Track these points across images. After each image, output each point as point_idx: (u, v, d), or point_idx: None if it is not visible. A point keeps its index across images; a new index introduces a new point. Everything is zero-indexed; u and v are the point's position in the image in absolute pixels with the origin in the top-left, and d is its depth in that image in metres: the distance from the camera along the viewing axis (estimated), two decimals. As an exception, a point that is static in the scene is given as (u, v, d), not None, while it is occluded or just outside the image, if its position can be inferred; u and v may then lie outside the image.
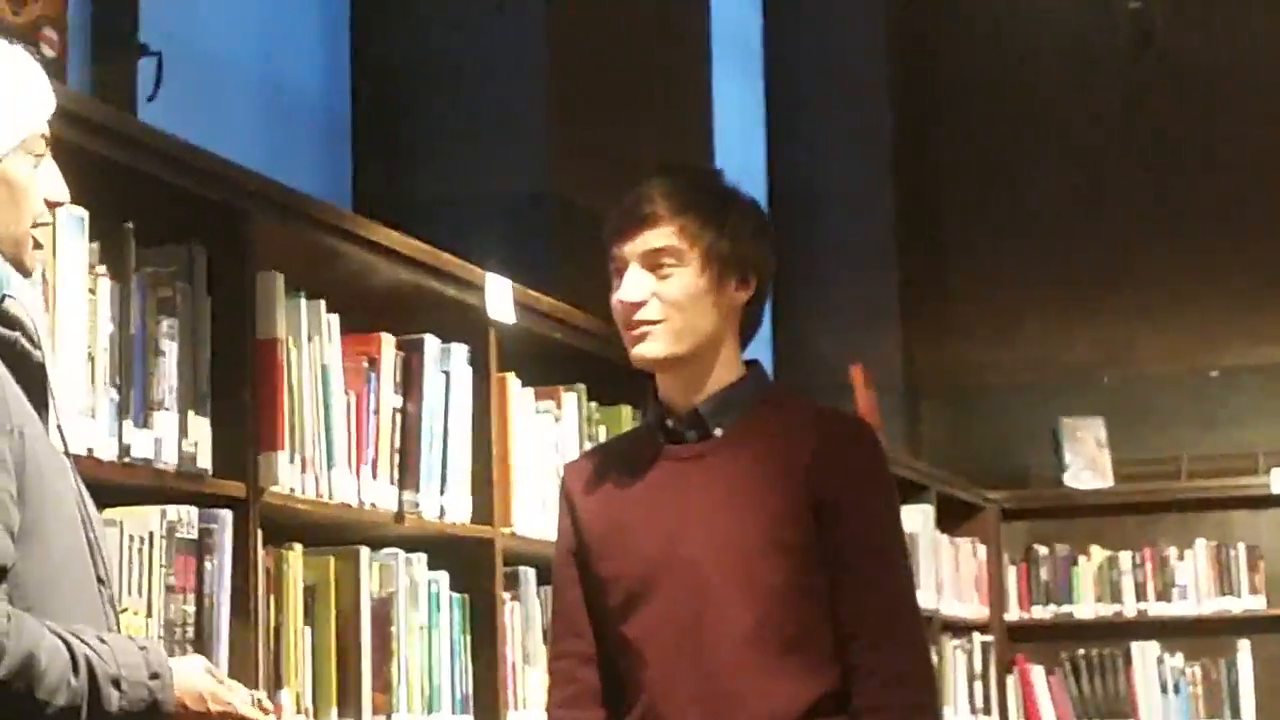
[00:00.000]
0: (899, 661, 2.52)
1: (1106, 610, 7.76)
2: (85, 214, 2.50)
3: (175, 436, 2.66)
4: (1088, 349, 8.47)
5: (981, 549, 7.59)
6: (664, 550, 2.53)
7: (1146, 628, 7.73)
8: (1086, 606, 7.78)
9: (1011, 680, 7.69)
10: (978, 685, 7.29)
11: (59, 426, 1.99)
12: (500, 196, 5.62)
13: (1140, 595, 7.74)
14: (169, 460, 2.65)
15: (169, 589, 2.61)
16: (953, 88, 8.89)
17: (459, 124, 5.70)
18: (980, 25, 8.83)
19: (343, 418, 3.12)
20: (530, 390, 3.82)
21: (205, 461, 2.73)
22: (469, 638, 3.51)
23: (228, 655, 2.71)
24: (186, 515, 2.67)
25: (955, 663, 7.09)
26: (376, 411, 3.24)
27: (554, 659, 2.69)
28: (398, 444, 3.30)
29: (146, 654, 1.88)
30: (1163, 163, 8.43)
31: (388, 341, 3.29)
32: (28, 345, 1.94)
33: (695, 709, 2.50)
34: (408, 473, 3.31)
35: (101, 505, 2.12)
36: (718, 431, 2.57)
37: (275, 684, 2.89)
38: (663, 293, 2.53)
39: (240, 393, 2.79)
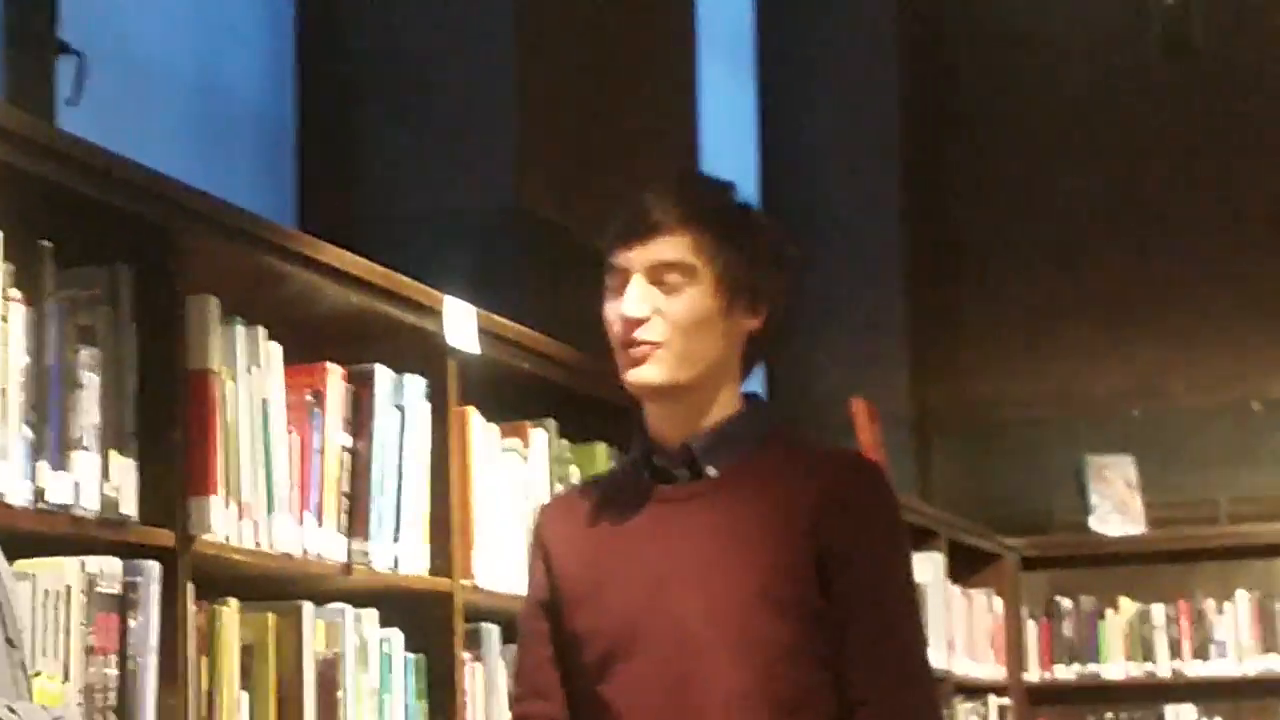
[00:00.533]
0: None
1: (1137, 670, 7.78)
2: (-4, 232, 2.50)
3: (96, 479, 2.65)
4: (1116, 380, 8.49)
5: (998, 602, 7.59)
6: (648, 602, 2.53)
7: (1182, 689, 7.75)
8: (1115, 666, 7.80)
9: (1032, 748, 7.71)
10: (994, 754, 7.31)
11: (-36, 469, 1.99)
12: (461, 212, 5.63)
13: (1175, 653, 7.75)
14: (89, 506, 2.63)
15: (89, 650, 2.60)
16: (968, 91, 8.92)
17: (415, 132, 5.70)
18: (999, 23, 8.86)
19: (284, 458, 3.11)
20: (494, 427, 3.82)
21: (130, 507, 2.72)
22: (425, 703, 3.49)
23: (155, 724, 2.70)
24: (108, 567, 2.65)
25: (969, 729, 7.10)
26: (322, 451, 3.23)
27: (514, 725, 2.68)
28: (346, 487, 3.29)
29: (61, 724, 1.88)
30: (1199, 178, 8.46)
31: (335, 373, 3.28)
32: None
33: (678, 779, 2.49)
34: (357, 519, 3.31)
35: (12, 557, 2.11)
36: (711, 471, 2.57)
37: (208, 755, 2.88)
38: (668, 311, 2.53)
39: (169, 430, 2.79)
